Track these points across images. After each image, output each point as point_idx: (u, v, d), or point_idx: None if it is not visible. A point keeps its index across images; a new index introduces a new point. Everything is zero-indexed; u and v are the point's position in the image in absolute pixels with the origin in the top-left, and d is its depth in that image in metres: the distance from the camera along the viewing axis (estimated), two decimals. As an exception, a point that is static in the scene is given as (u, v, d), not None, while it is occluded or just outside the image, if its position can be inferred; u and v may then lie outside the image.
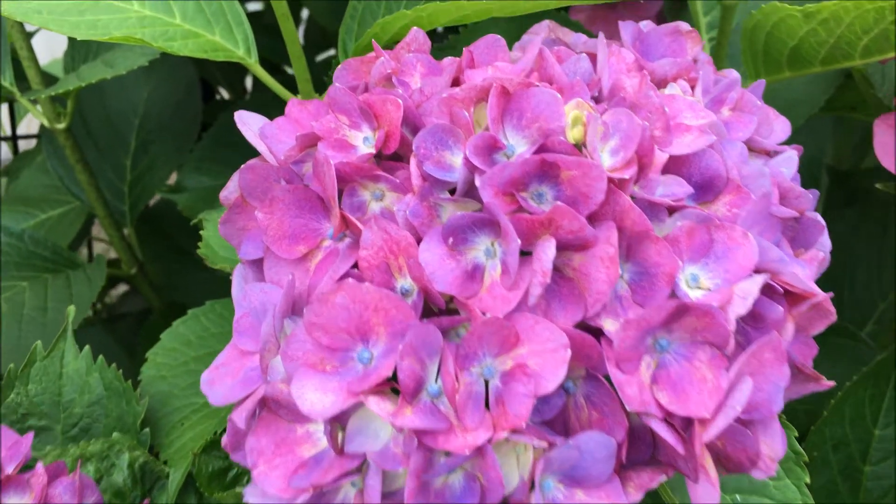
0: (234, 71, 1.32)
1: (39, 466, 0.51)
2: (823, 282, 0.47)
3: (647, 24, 0.53)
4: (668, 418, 0.39)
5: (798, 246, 0.49)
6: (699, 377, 0.39)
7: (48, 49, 1.33)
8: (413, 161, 0.42)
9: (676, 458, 0.40)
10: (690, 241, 0.41)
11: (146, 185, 1.09)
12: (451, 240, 0.40)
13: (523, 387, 0.38)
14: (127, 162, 1.10)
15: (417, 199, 0.41)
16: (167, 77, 1.11)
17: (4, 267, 0.93)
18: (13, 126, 1.29)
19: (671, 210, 0.42)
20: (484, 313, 0.39)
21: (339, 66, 0.49)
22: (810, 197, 0.48)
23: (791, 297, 0.43)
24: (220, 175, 1.02)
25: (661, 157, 0.42)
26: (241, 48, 0.63)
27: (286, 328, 0.41)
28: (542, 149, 0.41)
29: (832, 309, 0.44)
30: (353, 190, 0.43)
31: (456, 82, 0.47)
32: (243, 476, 0.60)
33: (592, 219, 0.41)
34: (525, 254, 0.40)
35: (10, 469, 0.50)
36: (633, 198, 0.41)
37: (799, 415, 0.82)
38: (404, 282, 0.41)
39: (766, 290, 0.42)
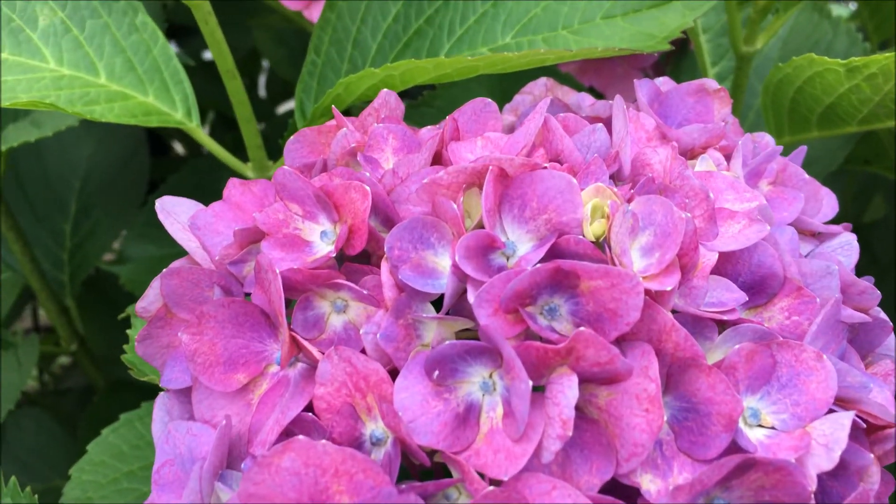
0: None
1: None
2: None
3: (664, 82, 0.44)
4: None
5: (859, 351, 0.40)
6: (771, 556, 0.29)
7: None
8: (385, 266, 0.32)
9: None
10: (750, 367, 0.31)
11: (88, 253, 0.98)
12: (436, 373, 0.30)
13: (539, 581, 0.28)
14: (67, 227, 0.99)
15: (391, 318, 0.31)
16: (112, 132, 1.01)
17: (-81, 352, 0.82)
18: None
19: (720, 323, 0.33)
20: (482, 474, 0.29)
21: (292, 139, 0.40)
22: (877, 293, 0.39)
23: (871, 429, 0.34)
24: (168, 243, 0.92)
25: (708, 258, 0.32)
26: (179, 110, 0.53)
27: (219, 493, 0.31)
28: (554, 250, 0.32)
29: (916, 438, 0.35)
30: (308, 301, 0.34)
31: (437, 159, 0.37)
32: None
33: (621, 338, 0.31)
34: (536, 389, 0.31)
35: None
36: (673, 311, 0.32)
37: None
38: (374, 427, 0.31)
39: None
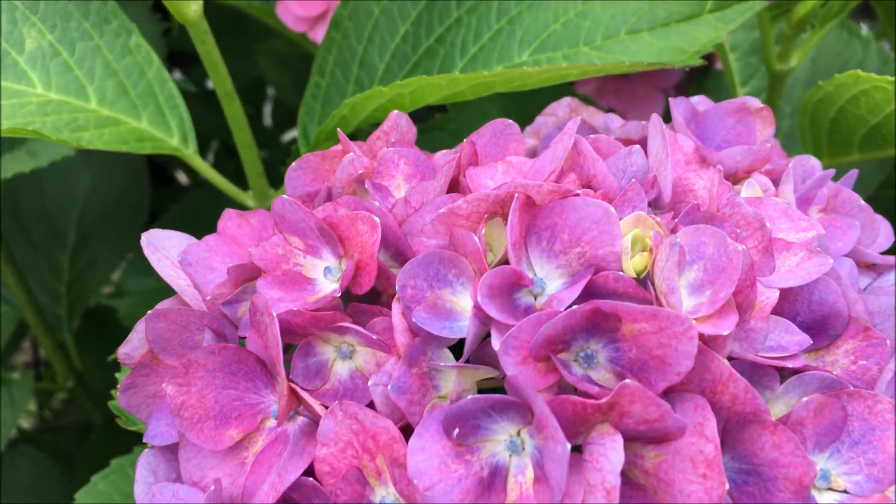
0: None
1: None
2: None
3: (701, 101, 0.40)
4: None
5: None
6: None
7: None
8: (396, 307, 0.28)
9: None
10: (818, 423, 0.27)
11: (86, 286, 0.95)
12: (456, 431, 0.26)
13: None
14: (65, 259, 0.96)
15: (404, 366, 0.28)
16: (112, 160, 0.98)
17: None
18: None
19: (780, 370, 0.29)
20: (512, 552, 0.25)
21: (293, 165, 0.36)
22: (945, 332, 0.35)
23: (950, 490, 0.29)
24: (169, 276, 0.88)
25: (768, 296, 0.28)
26: (175, 136, 0.49)
27: (206, 571, 0.27)
28: (589, 288, 0.28)
29: None
30: (309, 346, 0.30)
31: (454, 186, 0.33)
32: None
33: (669, 389, 0.27)
34: (572, 449, 0.27)
35: None
36: (728, 358, 0.28)
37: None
38: (385, 493, 0.27)
39: (929, 492, 0.28)
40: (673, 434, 0.26)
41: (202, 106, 0.85)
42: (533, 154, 0.40)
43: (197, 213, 0.86)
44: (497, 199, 0.29)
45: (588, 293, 0.28)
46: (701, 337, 0.27)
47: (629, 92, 0.68)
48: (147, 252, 0.33)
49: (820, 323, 0.31)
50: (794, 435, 0.27)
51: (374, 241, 0.29)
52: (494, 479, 0.26)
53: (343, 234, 0.30)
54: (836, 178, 0.40)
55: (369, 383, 0.27)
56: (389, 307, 0.29)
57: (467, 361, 0.28)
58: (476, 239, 0.28)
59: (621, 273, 0.27)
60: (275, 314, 0.28)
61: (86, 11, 0.50)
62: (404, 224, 0.31)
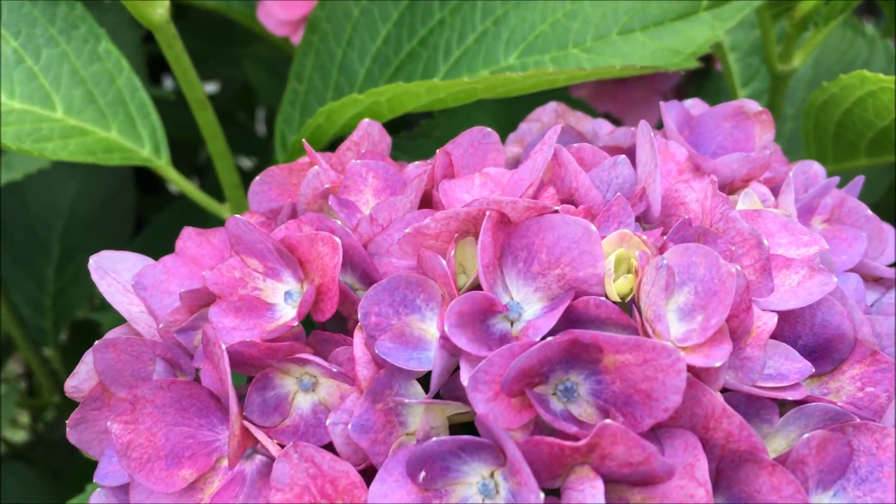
0: (184, 156, 1.16)
1: None
2: None
3: (695, 105, 0.38)
4: None
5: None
6: None
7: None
8: (358, 337, 0.26)
9: None
10: (821, 460, 0.25)
11: (71, 299, 0.93)
12: (422, 474, 0.24)
13: None
14: (49, 271, 0.94)
15: (366, 402, 0.25)
16: (98, 169, 0.95)
17: None
18: None
19: (780, 402, 0.26)
20: None
21: (258, 179, 0.34)
22: (959, 352, 0.32)
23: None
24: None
25: (765, 321, 0.26)
26: (146, 147, 0.47)
27: None
28: (569, 315, 0.25)
29: None
30: (267, 379, 0.27)
31: (427, 201, 0.31)
32: None
33: (658, 425, 0.25)
34: (550, 492, 0.24)
35: None
36: (723, 390, 0.25)
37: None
38: (348, 543, 0.25)
39: (945, 535, 0.25)
40: (660, 477, 0.23)
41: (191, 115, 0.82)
42: (517, 163, 0.38)
43: (182, 224, 0.84)
44: (468, 217, 0.27)
45: (568, 320, 0.25)
46: (691, 368, 0.24)
47: (626, 96, 0.65)
48: (95, 277, 0.30)
49: (823, 347, 0.28)
50: (795, 476, 0.24)
51: (336, 263, 0.27)
52: (465, 526, 0.24)
53: (303, 256, 0.28)
54: (841, 186, 0.38)
55: (328, 422, 0.25)
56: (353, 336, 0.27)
57: (437, 396, 0.26)
58: (443, 261, 0.25)
59: (603, 298, 0.25)
60: (224, 347, 0.25)
61: (52, 17, 0.47)
62: (371, 244, 0.29)
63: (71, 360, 1.01)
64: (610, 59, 0.42)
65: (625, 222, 0.28)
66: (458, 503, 0.24)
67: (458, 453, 0.24)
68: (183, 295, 0.29)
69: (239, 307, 0.28)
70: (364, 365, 0.25)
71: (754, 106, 0.37)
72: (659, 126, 0.37)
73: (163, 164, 0.48)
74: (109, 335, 0.30)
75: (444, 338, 0.24)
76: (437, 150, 0.31)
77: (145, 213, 1.05)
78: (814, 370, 0.26)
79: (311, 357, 0.26)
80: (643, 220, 0.31)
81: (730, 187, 0.35)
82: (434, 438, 0.23)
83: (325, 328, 0.29)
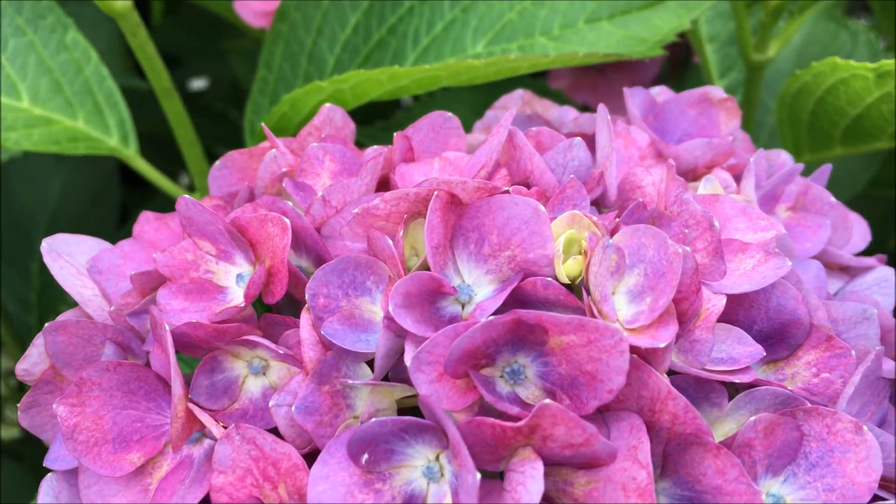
0: (171, 151, 1.16)
1: None
2: None
3: (661, 92, 0.38)
4: None
5: (901, 407, 0.33)
6: None
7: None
8: (305, 319, 0.26)
9: None
10: (769, 444, 0.25)
11: (57, 294, 0.92)
12: (365, 457, 0.24)
13: None
14: (34, 266, 0.93)
15: (312, 384, 0.25)
16: (84, 163, 0.95)
17: None
18: None
19: (730, 385, 0.26)
20: (423, 593, 0.22)
21: (217, 164, 0.34)
22: (923, 340, 0.32)
23: (923, 514, 0.27)
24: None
25: (714, 304, 0.26)
26: (114, 136, 0.47)
27: None
28: (517, 296, 0.25)
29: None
30: (216, 362, 0.27)
31: (385, 185, 0.31)
32: None
33: (605, 408, 0.24)
34: (492, 474, 0.24)
35: None
36: (671, 372, 0.25)
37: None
38: (291, 526, 0.24)
39: (896, 519, 0.25)
40: (603, 459, 0.23)
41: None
42: (483, 150, 0.38)
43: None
44: (418, 198, 0.26)
45: (517, 301, 0.25)
46: (638, 350, 0.24)
47: (605, 87, 0.65)
48: (47, 260, 0.30)
49: (779, 332, 0.28)
50: (740, 459, 0.24)
51: (285, 244, 0.26)
52: (409, 509, 0.24)
53: (253, 238, 0.27)
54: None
55: (271, 404, 0.25)
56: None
57: (386, 379, 0.26)
58: (390, 242, 0.25)
59: (550, 279, 0.25)
60: (168, 328, 0.25)
61: (19, 7, 0.47)
62: (325, 227, 0.29)
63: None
64: (577, 47, 0.42)
65: (579, 205, 0.28)
66: (402, 485, 0.24)
67: (402, 435, 0.24)
68: (134, 277, 0.28)
69: (189, 290, 0.28)
70: (310, 346, 0.25)
71: (719, 93, 0.36)
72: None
73: (131, 154, 0.47)
74: (60, 318, 0.29)
75: (389, 318, 0.24)
76: (396, 134, 0.31)
77: (131, 208, 1.05)
78: (764, 354, 0.26)
79: (258, 339, 0.26)
80: (601, 205, 0.31)
81: (693, 173, 0.34)
82: (373, 419, 0.23)
83: (281, 312, 0.29)
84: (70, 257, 0.31)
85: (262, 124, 0.33)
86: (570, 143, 0.29)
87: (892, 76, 0.39)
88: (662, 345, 0.23)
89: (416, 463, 0.24)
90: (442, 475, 0.24)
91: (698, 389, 0.25)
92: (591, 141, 0.33)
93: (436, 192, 0.25)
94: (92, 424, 0.27)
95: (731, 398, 0.26)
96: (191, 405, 0.26)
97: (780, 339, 0.28)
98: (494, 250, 0.26)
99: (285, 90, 0.47)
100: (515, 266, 0.26)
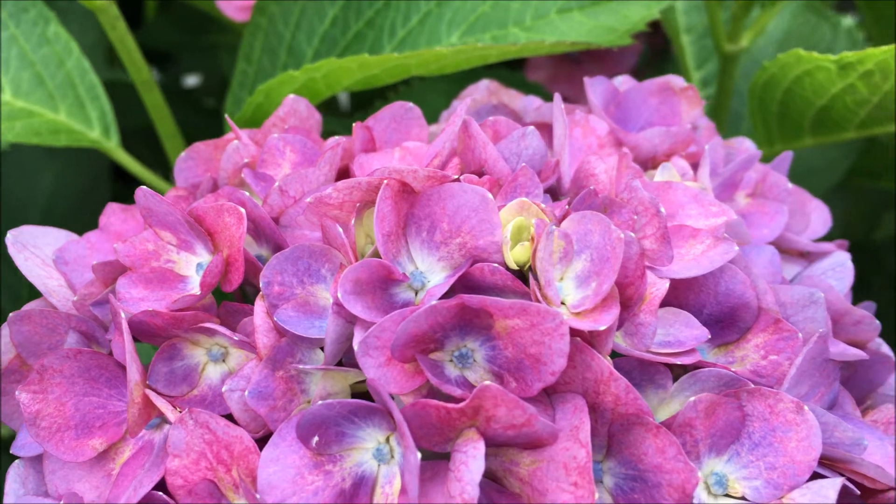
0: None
1: None
2: None
3: (624, 81, 0.38)
4: None
5: (857, 392, 0.33)
6: None
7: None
8: (259, 306, 0.26)
9: None
10: (711, 424, 0.25)
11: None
12: (315, 439, 0.24)
13: None
14: (27, 261, 0.94)
15: (265, 370, 0.25)
16: (75, 159, 0.96)
17: None
18: None
19: (676, 368, 0.27)
20: (370, 570, 0.23)
21: (183, 155, 0.34)
22: (876, 323, 0.32)
23: (868, 493, 0.27)
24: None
25: (658, 288, 0.26)
26: (95, 128, 0.47)
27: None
28: (465, 282, 0.26)
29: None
30: (175, 349, 0.28)
31: (346, 175, 0.31)
32: None
33: (552, 390, 0.25)
34: (442, 456, 0.25)
35: None
36: (614, 355, 0.26)
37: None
38: (244, 507, 0.25)
39: (839, 496, 0.26)
40: (545, 439, 0.23)
41: (176, 103, 0.82)
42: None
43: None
44: (371, 187, 0.27)
45: (466, 287, 0.26)
46: (582, 333, 0.25)
47: (582, 79, 0.65)
48: (12, 251, 0.31)
49: (729, 315, 0.28)
50: (682, 438, 0.24)
51: (241, 233, 0.27)
52: (359, 490, 0.24)
53: (211, 228, 0.28)
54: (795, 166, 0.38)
55: (224, 389, 0.25)
56: (262, 305, 0.27)
57: (340, 364, 0.26)
58: (341, 230, 0.26)
59: (497, 265, 0.25)
60: (123, 315, 0.26)
61: (2, 2, 0.48)
62: (283, 216, 0.29)
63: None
64: (549, 36, 0.42)
65: (532, 192, 0.28)
66: (352, 467, 0.25)
67: (351, 418, 0.24)
68: (96, 267, 0.29)
69: (150, 279, 0.28)
70: (264, 333, 0.26)
71: (680, 82, 0.37)
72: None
73: (112, 146, 0.48)
74: (25, 307, 0.30)
75: (338, 304, 0.25)
76: (355, 124, 0.32)
77: (123, 202, 1.05)
78: (709, 336, 0.27)
79: (215, 326, 0.27)
80: (558, 192, 0.31)
81: (653, 161, 0.35)
82: (321, 402, 0.24)
83: (245, 300, 0.30)
84: (36, 248, 0.32)
85: (226, 115, 0.33)
86: (524, 132, 0.30)
87: (854, 68, 0.40)
88: (603, 327, 0.24)
89: (367, 445, 0.25)
90: (392, 457, 0.25)
91: (643, 372, 0.26)
92: (552, 130, 0.34)
93: (385, 181, 0.26)
94: (54, 411, 0.27)
95: (674, 380, 0.26)
96: (148, 391, 0.26)
97: (729, 322, 0.29)
98: (446, 238, 0.26)
99: (264, 82, 0.47)
100: (466, 253, 0.26)
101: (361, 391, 0.27)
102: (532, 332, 0.24)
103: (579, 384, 0.25)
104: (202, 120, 0.91)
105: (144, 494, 0.25)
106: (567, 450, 0.23)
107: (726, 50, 0.51)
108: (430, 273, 0.27)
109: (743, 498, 0.25)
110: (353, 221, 0.27)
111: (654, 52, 0.68)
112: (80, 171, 0.98)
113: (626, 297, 0.26)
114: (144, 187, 0.28)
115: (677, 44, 0.57)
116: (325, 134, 0.37)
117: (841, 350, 0.30)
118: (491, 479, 0.25)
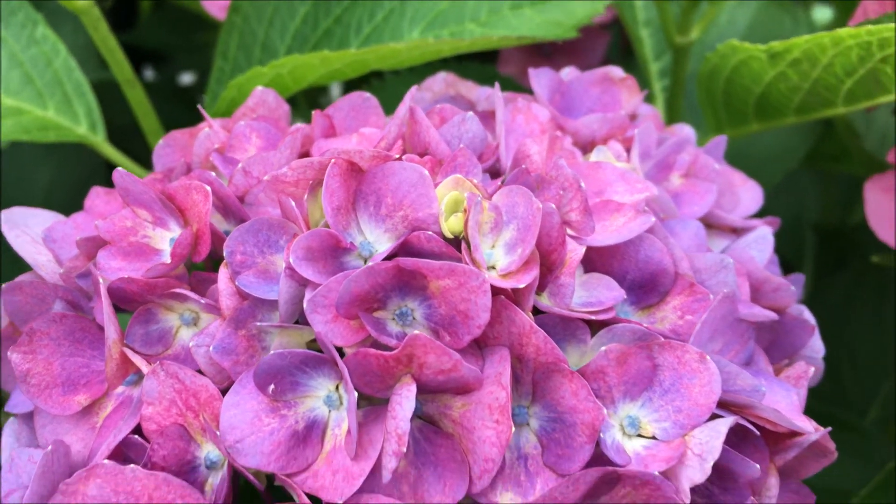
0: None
1: None
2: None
3: (568, 72, 0.41)
4: None
5: (780, 354, 0.37)
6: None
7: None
8: (223, 272, 0.29)
9: None
10: (623, 372, 0.28)
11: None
12: (272, 387, 0.27)
13: None
14: (24, 255, 0.97)
15: (228, 328, 0.29)
16: (72, 156, 0.99)
17: None
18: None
19: (596, 325, 0.30)
20: (316, 498, 0.26)
21: (161, 142, 0.37)
22: (792, 289, 0.36)
23: (773, 437, 0.31)
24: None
25: (576, 252, 0.29)
26: (82, 124, 0.50)
27: (41, 526, 0.28)
28: (405, 249, 0.29)
29: (831, 446, 0.32)
30: (150, 314, 0.31)
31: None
32: None
33: (483, 343, 0.28)
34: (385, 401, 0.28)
35: None
36: (537, 312, 0.29)
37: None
38: (210, 449, 0.28)
39: (737, 435, 0.29)
40: (472, 384, 0.27)
41: (171, 101, 0.85)
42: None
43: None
44: (322, 166, 0.30)
45: (406, 253, 0.29)
46: (505, 292, 0.28)
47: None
48: (4, 229, 0.34)
49: (649, 280, 0.32)
50: (596, 384, 0.28)
51: (207, 209, 0.30)
52: (311, 432, 0.28)
53: (181, 205, 0.31)
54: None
55: (191, 344, 0.28)
56: (229, 274, 0.30)
57: (297, 322, 0.30)
58: (293, 203, 0.29)
59: (432, 233, 0.28)
60: (102, 281, 0.29)
61: (-9, 5, 0.51)
62: (248, 195, 0.32)
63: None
64: (502, 31, 0.45)
65: (471, 171, 0.31)
66: (305, 412, 0.28)
67: (303, 368, 0.27)
68: (80, 242, 0.32)
69: (127, 252, 0.32)
70: (227, 296, 0.29)
71: (619, 72, 0.40)
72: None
73: (99, 141, 0.51)
74: (18, 279, 0.33)
75: (290, 268, 0.28)
76: (314, 112, 0.35)
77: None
78: (625, 297, 0.30)
79: (185, 292, 0.30)
80: (499, 172, 0.35)
81: (591, 145, 0.38)
82: (273, 352, 0.27)
83: (215, 271, 0.33)
84: (26, 227, 0.35)
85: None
86: (463, 116, 0.33)
87: (782, 56, 0.43)
88: (523, 285, 0.27)
89: (319, 393, 0.28)
90: (341, 403, 0.28)
91: (566, 328, 0.29)
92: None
93: (333, 160, 0.29)
94: (43, 369, 0.31)
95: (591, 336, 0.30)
96: (125, 349, 0.29)
97: (650, 287, 0.32)
98: (390, 211, 0.30)
99: (238, 78, 0.50)
100: (408, 224, 0.29)
101: (317, 349, 0.30)
102: (460, 291, 0.27)
103: (506, 338, 0.28)
104: (196, 117, 0.94)
105: (122, 438, 0.28)
106: (491, 392, 0.27)
107: (677, 42, 0.54)
108: (377, 243, 0.30)
109: (653, 437, 0.28)
110: (305, 197, 0.30)
111: (622, 45, 0.71)
112: (77, 166, 1.01)
113: (549, 262, 0.29)
114: (121, 169, 0.31)
115: (636, 37, 0.60)
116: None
117: (753, 312, 0.33)
118: (429, 422, 0.28)
